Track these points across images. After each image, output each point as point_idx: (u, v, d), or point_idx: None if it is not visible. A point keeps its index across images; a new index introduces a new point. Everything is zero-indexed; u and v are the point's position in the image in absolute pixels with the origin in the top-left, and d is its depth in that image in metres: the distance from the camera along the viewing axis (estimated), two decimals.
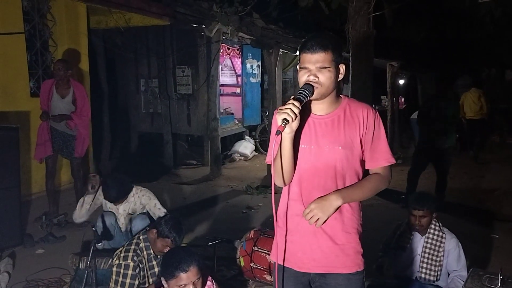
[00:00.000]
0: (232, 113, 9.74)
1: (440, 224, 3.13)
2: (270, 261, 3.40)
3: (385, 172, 1.95)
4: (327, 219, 1.84)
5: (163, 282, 2.29)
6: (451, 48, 12.93)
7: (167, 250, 2.81)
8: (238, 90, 9.96)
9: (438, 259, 3.06)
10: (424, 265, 3.09)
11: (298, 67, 1.87)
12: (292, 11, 8.00)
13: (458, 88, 12.32)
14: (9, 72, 5.47)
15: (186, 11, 7.13)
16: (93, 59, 7.14)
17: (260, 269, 3.52)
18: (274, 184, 1.85)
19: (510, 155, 9.95)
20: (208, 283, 2.47)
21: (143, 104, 8.98)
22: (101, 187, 3.73)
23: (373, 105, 2.25)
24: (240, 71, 9.78)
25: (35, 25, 5.85)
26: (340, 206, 1.85)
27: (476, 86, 9.93)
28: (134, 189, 3.79)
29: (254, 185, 6.89)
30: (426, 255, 3.09)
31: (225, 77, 10.10)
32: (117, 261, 2.86)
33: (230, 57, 9.67)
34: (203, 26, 7.35)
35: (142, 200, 3.77)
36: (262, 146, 9.99)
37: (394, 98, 11.22)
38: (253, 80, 10.05)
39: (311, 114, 1.91)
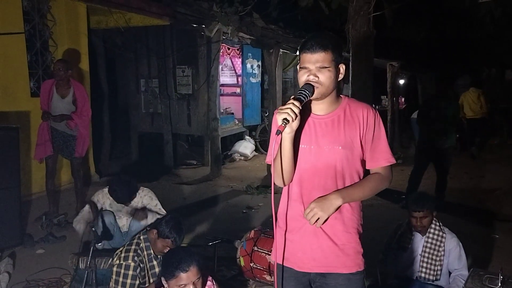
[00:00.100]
0: (232, 113, 9.74)
1: (441, 223, 3.13)
2: (270, 261, 3.40)
3: (385, 172, 1.95)
4: (327, 218, 1.84)
5: (163, 282, 2.29)
6: (451, 48, 12.92)
7: (167, 250, 2.81)
8: (238, 90, 9.96)
9: (438, 258, 3.06)
10: (424, 265, 3.09)
11: (298, 67, 1.87)
12: (292, 11, 7.99)
13: (458, 88, 12.32)
14: (9, 72, 5.47)
15: (186, 11, 7.13)
16: (93, 59, 7.14)
17: (260, 269, 3.52)
18: (274, 184, 1.85)
19: (510, 155, 9.95)
20: (209, 283, 2.47)
21: (143, 104, 8.98)
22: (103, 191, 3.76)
23: (373, 105, 2.25)
24: (240, 71, 9.78)
25: (35, 25, 5.85)
26: (341, 205, 1.85)
27: (475, 85, 9.93)
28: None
29: (254, 185, 6.89)
30: (427, 255, 3.09)
31: (225, 77, 10.10)
32: (117, 261, 2.85)
33: (230, 57, 9.67)
34: (203, 26, 7.34)
35: (144, 200, 3.78)
36: (262, 146, 9.99)
37: (394, 98, 11.22)
38: (253, 80, 10.05)
39: (311, 114, 1.91)
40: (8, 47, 5.42)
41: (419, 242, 3.12)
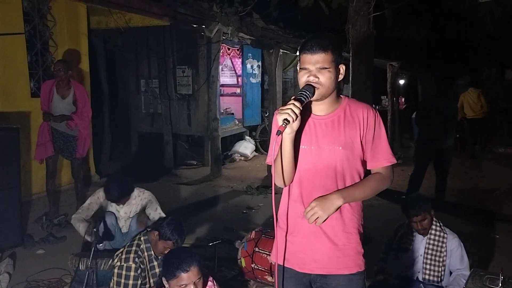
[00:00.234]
0: (233, 113, 9.74)
1: (441, 224, 3.13)
2: (271, 262, 3.40)
3: (386, 172, 1.95)
4: (327, 218, 1.84)
5: (164, 282, 2.30)
6: (451, 48, 12.92)
7: (168, 251, 2.81)
8: (238, 90, 9.96)
9: (441, 259, 3.05)
10: (428, 266, 3.08)
11: (298, 67, 1.87)
12: (292, 11, 7.99)
13: (458, 88, 12.32)
14: (10, 73, 5.47)
15: (186, 11, 7.13)
16: (93, 60, 7.14)
17: (261, 270, 3.52)
18: (275, 184, 1.85)
19: (510, 155, 9.95)
20: (209, 283, 2.47)
21: (143, 104, 8.98)
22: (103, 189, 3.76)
23: (373, 105, 2.25)
24: (240, 71, 9.78)
25: (35, 26, 5.85)
26: (341, 205, 1.85)
27: (474, 85, 9.93)
28: (136, 191, 3.79)
29: (254, 186, 6.89)
30: (429, 256, 3.08)
31: (225, 77, 10.10)
32: (118, 263, 2.85)
33: (230, 57, 9.67)
34: (203, 26, 7.35)
35: (143, 203, 3.78)
36: (262, 146, 9.99)
37: (394, 98, 11.22)
38: (253, 80, 10.05)
39: (312, 115, 1.91)
40: (8, 48, 5.42)
41: (420, 243, 3.11)
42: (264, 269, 3.50)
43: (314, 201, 1.83)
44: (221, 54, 8.19)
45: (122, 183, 3.66)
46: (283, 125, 1.69)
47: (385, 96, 12.37)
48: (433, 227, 3.10)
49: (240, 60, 9.66)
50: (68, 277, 3.67)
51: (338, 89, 1.92)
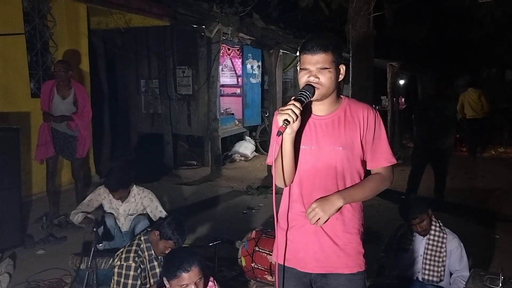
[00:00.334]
0: (233, 114, 9.74)
1: (441, 224, 3.13)
2: (271, 262, 3.40)
3: (386, 172, 1.95)
4: (328, 219, 1.84)
5: (165, 282, 2.30)
6: (451, 48, 12.93)
7: (169, 251, 2.81)
8: (238, 91, 9.96)
9: (441, 259, 3.05)
10: (427, 267, 3.07)
11: (298, 68, 1.87)
12: (292, 11, 8.00)
13: (458, 88, 12.33)
14: (10, 73, 5.47)
15: (186, 11, 7.13)
16: (93, 60, 7.14)
17: (261, 269, 3.52)
18: (275, 184, 1.85)
19: (510, 155, 9.96)
20: (210, 283, 2.47)
21: (143, 104, 8.98)
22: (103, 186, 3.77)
23: (373, 106, 2.24)
24: (241, 72, 9.79)
25: (35, 26, 5.85)
26: (342, 206, 1.85)
27: (473, 85, 9.93)
28: (136, 189, 3.79)
29: (254, 186, 6.89)
30: (428, 256, 3.07)
31: (226, 78, 10.10)
32: (118, 262, 2.85)
33: (230, 58, 9.67)
34: (204, 26, 7.35)
35: (144, 201, 3.78)
36: (262, 146, 9.99)
37: (394, 99, 11.22)
38: (253, 81, 10.05)
39: (312, 115, 1.91)
40: (8, 48, 5.42)
41: (420, 243, 3.11)
42: (264, 268, 3.50)
43: (315, 202, 1.83)
44: (221, 54, 8.19)
45: (122, 172, 3.71)
46: (283, 126, 1.69)
47: (385, 96, 12.38)
48: (433, 227, 3.10)
49: (240, 60, 9.66)
50: (68, 277, 3.67)
51: (338, 89, 1.92)
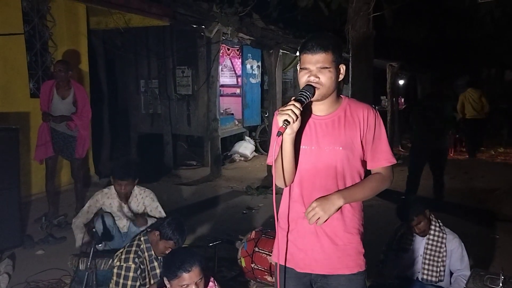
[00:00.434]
0: (232, 114, 9.73)
1: (441, 224, 3.12)
2: (271, 262, 3.40)
3: (386, 172, 1.95)
4: (328, 218, 1.83)
5: (166, 282, 2.30)
6: (450, 48, 12.94)
7: (169, 251, 2.81)
8: (238, 91, 9.96)
9: (440, 259, 3.04)
10: (426, 266, 3.07)
11: (298, 67, 1.87)
12: (292, 11, 8.00)
13: (458, 88, 12.35)
14: (9, 73, 5.47)
15: (186, 11, 7.12)
16: (93, 60, 7.14)
17: (261, 270, 3.51)
18: (275, 184, 1.85)
19: (510, 155, 9.96)
20: (210, 283, 2.47)
21: (143, 104, 8.97)
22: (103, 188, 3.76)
23: (373, 106, 2.24)
24: (240, 72, 9.78)
25: (34, 26, 5.85)
26: (342, 206, 1.85)
27: (473, 86, 9.94)
28: (137, 189, 3.79)
29: (254, 186, 6.89)
30: (428, 256, 3.07)
31: (225, 78, 10.10)
32: (118, 263, 2.85)
33: (230, 58, 9.67)
34: (203, 26, 7.34)
35: (145, 201, 3.78)
36: (262, 146, 9.99)
37: (394, 99, 11.23)
38: (253, 81, 10.05)
39: (312, 115, 1.91)
40: (8, 48, 5.41)
41: (420, 243, 3.11)
42: (264, 269, 3.49)
43: (314, 202, 1.83)
44: (220, 54, 8.19)
45: (129, 162, 3.69)
46: (284, 126, 1.68)
47: (385, 97, 12.38)
48: (432, 227, 3.09)
49: (240, 60, 9.66)
50: (67, 277, 3.66)
51: (338, 89, 1.91)
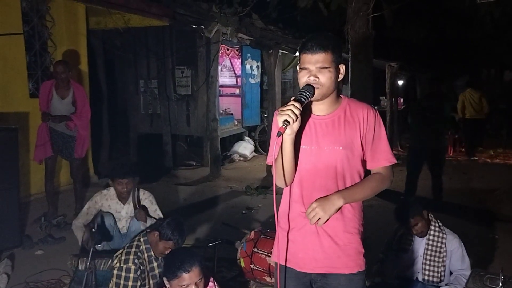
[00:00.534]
0: (232, 114, 9.73)
1: (441, 224, 3.12)
2: (269, 263, 3.39)
3: (386, 172, 1.94)
4: (328, 219, 1.83)
5: (165, 282, 2.29)
6: (450, 48, 12.96)
7: (168, 252, 2.81)
8: (237, 91, 9.96)
9: (441, 260, 3.04)
10: (427, 267, 3.07)
11: (298, 67, 1.87)
12: (291, 12, 8.00)
13: (457, 88, 12.36)
14: (8, 73, 5.46)
15: (186, 12, 7.12)
16: (92, 60, 7.13)
17: (260, 270, 3.51)
18: (275, 184, 1.85)
19: (509, 156, 9.97)
20: (210, 284, 2.46)
21: (142, 105, 8.97)
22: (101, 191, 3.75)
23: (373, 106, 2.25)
24: (240, 72, 9.78)
25: (34, 26, 5.84)
26: (342, 206, 1.85)
27: (472, 86, 9.95)
28: (140, 191, 3.79)
29: (253, 186, 6.88)
30: (428, 257, 3.07)
31: (225, 78, 10.10)
32: (118, 264, 2.84)
33: (229, 58, 9.66)
34: (203, 27, 7.34)
35: (144, 203, 3.77)
36: (261, 146, 9.98)
37: (393, 99, 11.23)
38: (252, 81, 10.05)
39: (312, 115, 1.90)
40: (7, 48, 5.41)
41: (420, 243, 3.11)
42: (263, 269, 3.49)
43: (315, 202, 1.83)
44: (220, 54, 8.18)
45: (126, 162, 3.69)
46: (283, 126, 1.68)
47: (384, 97, 12.39)
48: (432, 227, 3.09)
49: (239, 60, 9.66)
50: (67, 278, 3.66)
51: (338, 89, 1.91)
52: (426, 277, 3.07)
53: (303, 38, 1.89)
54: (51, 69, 5.94)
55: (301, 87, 1.82)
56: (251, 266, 3.55)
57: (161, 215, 3.74)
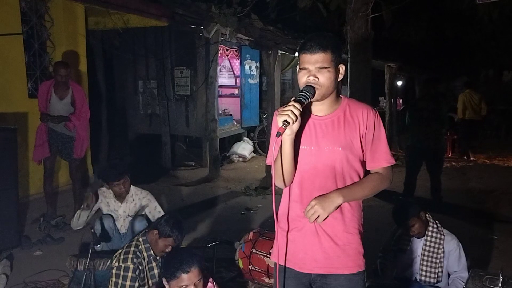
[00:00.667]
0: (231, 114, 9.73)
1: (439, 225, 3.12)
2: (268, 264, 3.39)
3: (386, 172, 1.94)
4: (327, 217, 1.83)
5: (165, 282, 2.29)
6: (449, 49, 12.98)
7: (169, 249, 2.80)
8: (236, 91, 9.96)
9: (438, 260, 3.04)
10: (424, 268, 3.07)
11: (297, 68, 1.87)
12: (290, 12, 8.01)
13: (456, 89, 12.38)
14: (7, 73, 5.45)
15: (185, 12, 7.12)
16: (91, 60, 7.13)
17: (258, 271, 3.51)
18: (275, 185, 1.85)
19: (508, 156, 9.98)
20: (209, 284, 2.46)
21: (141, 105, 8.97)
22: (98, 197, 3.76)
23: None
24: (239, 72, 9.78)
25: (33, 26, 5.84)
26: (341, 204, 1.85)
27: (470, 87, 9.96)
28: (134, 189, 3.79)
29: (252, 186, 6.88)
30: (426, 257, 3.07)
31: (224, 78, 10.09)
32: (116, 264, 2.84)
33: (228, 58, 9.66)
34: (202, 27, 7.34)
35: (142, 202, 3.78)
36: (260, 147, 9.98)
37: (392, 100, 11.24)
38: (251, 81, 10.05)
39: (311, 115, 1.90)
40: (6, 48, 5.40)
41: (418, 244, 3.11)
42: (261, 270, 3.48)
43: (314, 200, 1.83)
44: (219, 55, 8.18)
45: (117, 163, 3.68)
46: (283, 127, 1.68)
47: (383, 98, 12.40)
48: (430, 228, 3.09)
49: (239, 61, 9.66)
50: (65, 278, 3.65)
51: (337, 90, 1.91)
52: (423, 278, 3.07)
53: (302, 39, 1.89)
54: (50, 69, 5.94)
55: (300, 87, 1.82)
56: (250, 267, 3.54)
57: (162, 212, 3.75)
